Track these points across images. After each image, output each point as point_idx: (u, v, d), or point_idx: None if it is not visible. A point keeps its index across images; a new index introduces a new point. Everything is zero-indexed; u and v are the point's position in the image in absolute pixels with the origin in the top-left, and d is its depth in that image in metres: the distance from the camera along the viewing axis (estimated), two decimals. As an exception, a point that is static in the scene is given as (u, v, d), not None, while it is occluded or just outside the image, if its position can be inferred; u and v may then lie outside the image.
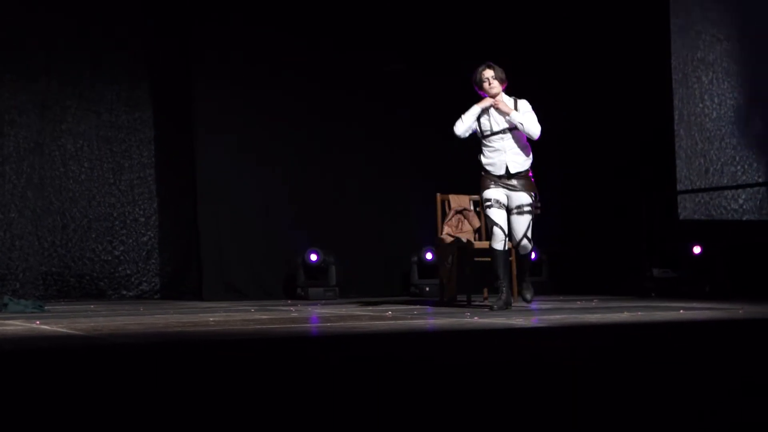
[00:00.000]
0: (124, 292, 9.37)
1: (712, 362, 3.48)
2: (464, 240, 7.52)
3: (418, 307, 7.05)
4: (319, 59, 9.37)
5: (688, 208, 9.10)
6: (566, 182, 9.92)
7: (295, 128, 9.27)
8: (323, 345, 4.15)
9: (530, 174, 6.46)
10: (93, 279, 9.27)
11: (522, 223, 6.39)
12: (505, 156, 6.35)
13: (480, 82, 6.31)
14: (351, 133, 9.43)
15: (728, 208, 8.73)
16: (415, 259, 9.20)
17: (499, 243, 6.35)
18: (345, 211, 9.39)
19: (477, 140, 6.59)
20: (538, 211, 6.45)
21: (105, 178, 9.41)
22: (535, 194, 6.42)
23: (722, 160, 8.85)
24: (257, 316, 5.87)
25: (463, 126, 6.38)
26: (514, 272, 7.38)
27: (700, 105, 9.03)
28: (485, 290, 7.97)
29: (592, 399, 2.73)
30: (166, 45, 9.49)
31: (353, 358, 3.62)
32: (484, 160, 6.42)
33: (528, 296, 6.70)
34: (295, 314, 6.13)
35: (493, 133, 6.35)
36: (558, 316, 5.43)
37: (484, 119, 6.37)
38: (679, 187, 9.17)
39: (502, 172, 6.35)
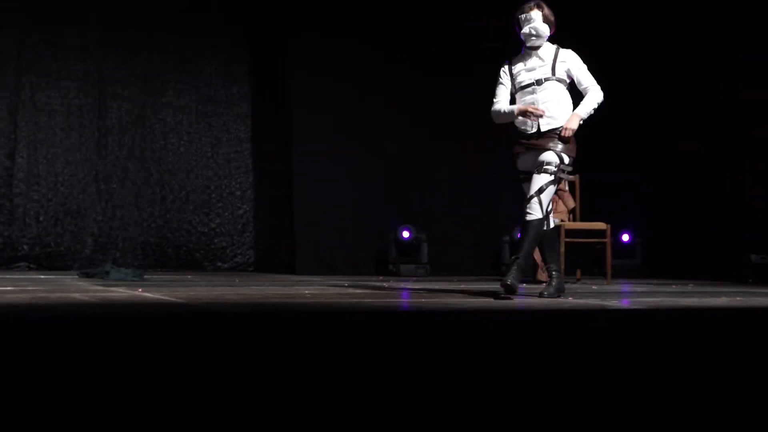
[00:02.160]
0: (219, 264, 9.56)
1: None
2: (559, 221, 7.49)
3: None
4: (413, 38, 9.39)
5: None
6: (662, 165, 9.79)
7: (388, 106, 9.34)
8: (417, 319, 4.19)
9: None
10: (189, 250, 9.49)
11: (537, 182, 5.30)
12: None
13: (522, 22, 5.41)
14: (444, 111, 9.45)
15: None
16: (506, 238, 9.19)
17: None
18: (437, 189, 9.43)
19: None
20: (564, 175, 5.36)
21: (203, 151, 9.61)
22: (566, 155, 5.32)
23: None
24: (351, 290, 5.95)
25: (498, 119, 5.53)
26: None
27: None
28: (578, 271, 7.95)
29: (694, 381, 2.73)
30: (264, 21, 9.63)
31: (445, 334, 3.66)
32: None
33: (511, 282, 5.12)
34: (388, 289, 6.19)
35: (526, 86, 5.45)
36: (653, 299, 5.38)
37: (520, 71, 5.47)
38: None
39: (533, 130, 5.38)
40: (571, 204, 7.69)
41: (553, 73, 5.40)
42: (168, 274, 8.44)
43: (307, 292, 5.61)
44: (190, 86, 9.59)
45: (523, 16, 5.40)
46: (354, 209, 9.28)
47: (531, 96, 5.39)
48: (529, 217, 5.30)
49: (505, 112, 5.47)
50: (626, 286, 6.91)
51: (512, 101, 5.51)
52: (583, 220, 7.76)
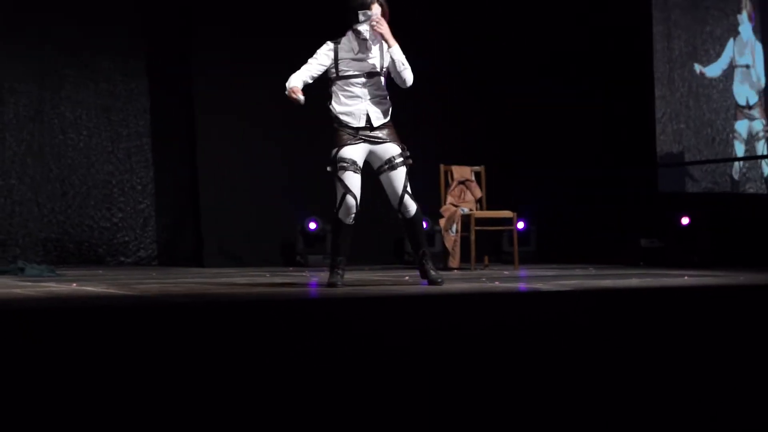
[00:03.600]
0: (122, 259, 9.51)
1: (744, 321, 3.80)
2: (467, 210, 7.80)
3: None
4: (314, 27, 9.47)
5: (692, 180, 9.58)
6: (552, 154, 10.17)
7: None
8: (368, 305, 4.37)
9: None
10: (92, 245, 9.40)
11: (398, 178, 5.31)
12: (365, 104, 5.27)
13: (361, 16, 5.26)
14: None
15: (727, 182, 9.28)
16: (408, 228, 9.41)
17: (350, 217, 5.41)
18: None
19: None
20: (410, 162, 5.36)
21: (103, 146, 9.53)
22: (402, 145, 5.34)
23: (727, 130, 9.38)
24: (279, 280, 6.09)
25: (302, 75, 5.45)
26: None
27: (708, 77, 9.57)
28: (486, 258, 8.27)
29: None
30: (161, 14, 9.58)
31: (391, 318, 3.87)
32: (338, 108, 5.32)
33: (438, 279, 5.30)
34: (312, 279, 6.36)
35: (353, 76, 5.29)
36: (573, 281, 5.70)
37: (346, 59, 5.29)
38: (688, 156, 9.70)
39: (362, 123, 5.27)
40: (478, 194, 8.01)
41: (381, 68, 5.30)
42: (73, 269, 8.35)
43: (240, 282, 5.73)
44: (88, 81, 9.48)
45: (363, 12, 5.22)
46: (260, 201, 9.34)
47: (359, 89, 5.26)
48: (408, 215, 5.37)
49: (290, 83, 5.43)
50: (536, 271, 7.24)
51: (318, 80, 5.39)
52: (488, 209, 8.09)
